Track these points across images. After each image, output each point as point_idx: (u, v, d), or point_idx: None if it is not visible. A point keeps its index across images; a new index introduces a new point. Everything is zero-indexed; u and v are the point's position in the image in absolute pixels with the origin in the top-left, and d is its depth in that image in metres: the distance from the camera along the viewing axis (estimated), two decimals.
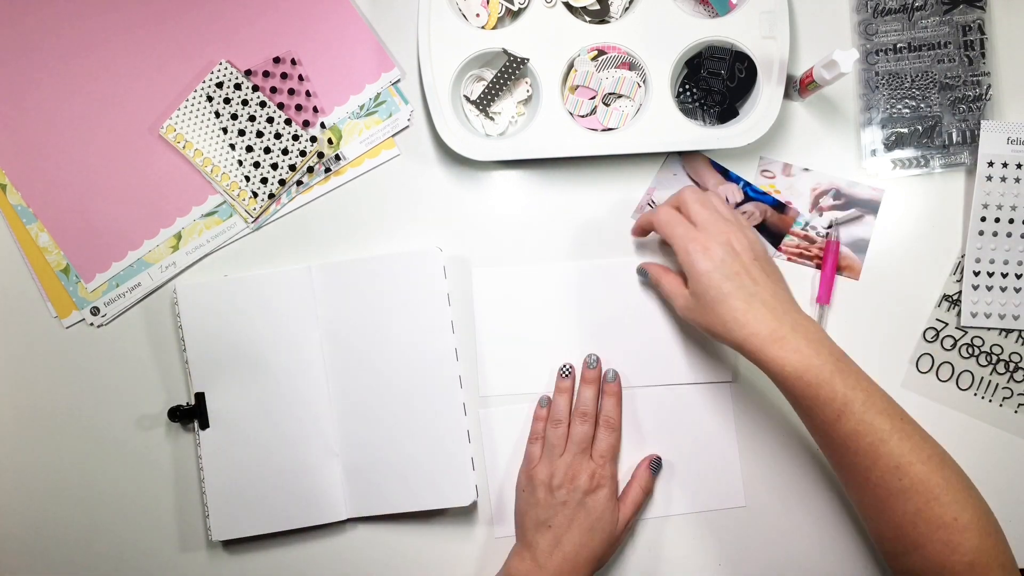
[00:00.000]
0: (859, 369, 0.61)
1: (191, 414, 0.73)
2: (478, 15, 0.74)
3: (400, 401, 0.72)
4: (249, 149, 0.74)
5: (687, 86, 0.74)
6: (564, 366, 0.73)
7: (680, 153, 0.75)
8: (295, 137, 0.74)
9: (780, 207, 0.75)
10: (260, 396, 0.73)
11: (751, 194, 0.75)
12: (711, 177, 0.75)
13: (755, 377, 0.74)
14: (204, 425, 0.73)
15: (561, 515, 0.68)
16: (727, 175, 0.75)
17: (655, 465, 0.73)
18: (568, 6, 0.73)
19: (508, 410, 0.75)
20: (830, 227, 0.74)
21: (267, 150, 0.74)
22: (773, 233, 0.75)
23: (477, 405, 0.75)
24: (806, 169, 0.75)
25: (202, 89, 0.74)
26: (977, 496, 0.60)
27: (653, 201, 0.75)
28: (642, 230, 0.72)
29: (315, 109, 0.75)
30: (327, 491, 0.73)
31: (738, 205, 0.75)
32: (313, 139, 0.74)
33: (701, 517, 0.74)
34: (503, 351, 0.75)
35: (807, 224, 0.75)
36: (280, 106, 0.74)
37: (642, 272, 0.73)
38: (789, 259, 0.75)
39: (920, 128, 0.74)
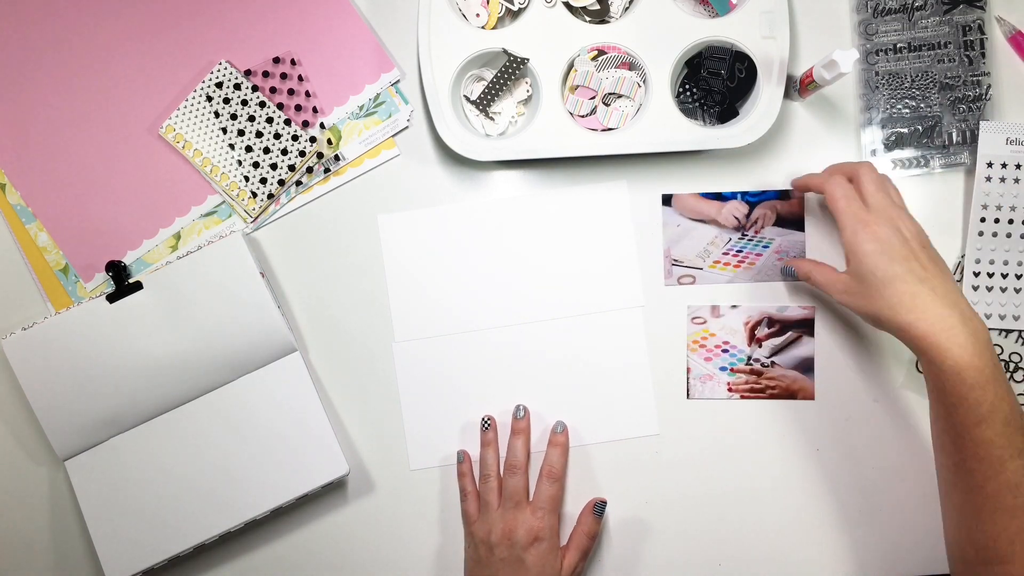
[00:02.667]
0: (1008, 380, 0.60)
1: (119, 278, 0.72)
2: (478, 15, 0.74)
3: (242, 403, 0.72)
4: (248, 149, 0.74)
5: (687, 86, 0.74)
6: (484, 419, 0.73)
7: (668, 202, 0.75)
8: (294, 137, 0.74)
9: (784, 195, 0.75)
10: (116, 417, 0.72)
11: (752, 200, 0.75)
12: (709, 206, 0.75)
13: (665, 305, 0.75)
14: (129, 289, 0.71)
15: (502, 573, 0.68)
16: (722, 197, 0.75)
17: (599, 508, 0.72)
18: (568, 6, 0.73)
19: (420, 346, 0.75)
20: (773, 355, 0.75)
21: (266, 150, 0.74)
22: (791, 221, 0.75)
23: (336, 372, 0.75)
24: (733, 306, 0.75)
25: (201, 89, 0.74)
26: None
27: (676, 260, 0.75)
28: (805, 188, 0.70)
29: (315, 109, 0.75)
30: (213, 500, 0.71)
31: (747, 215, 0.75)
32: (312, 139, 0.74)
33: (613, 447, 0.74)
34: (414, 294, 0.75)
35: (750, 358, 0.75)
36: (280, 106, 0.74)
37: (788, 272, 0.73)
38: (743, 397, 0.75)
39: (920, 128, 0.74)
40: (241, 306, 0.72)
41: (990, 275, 0.74)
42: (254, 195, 0.74)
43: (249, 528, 0.72)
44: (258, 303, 0.72)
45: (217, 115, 0.74)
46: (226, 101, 0.74)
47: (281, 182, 0.74)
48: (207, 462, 0.71)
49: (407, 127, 0.76)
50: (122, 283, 0.72)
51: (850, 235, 0.63)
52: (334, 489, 0.74)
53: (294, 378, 0.72)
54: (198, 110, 0.74)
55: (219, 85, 0.74)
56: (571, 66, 0.73)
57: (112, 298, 0.71)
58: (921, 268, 0.61)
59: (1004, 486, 0.58)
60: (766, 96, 0.71)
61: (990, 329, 0.74)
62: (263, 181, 0.74)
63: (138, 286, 0.72)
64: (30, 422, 0.74)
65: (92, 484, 0.71)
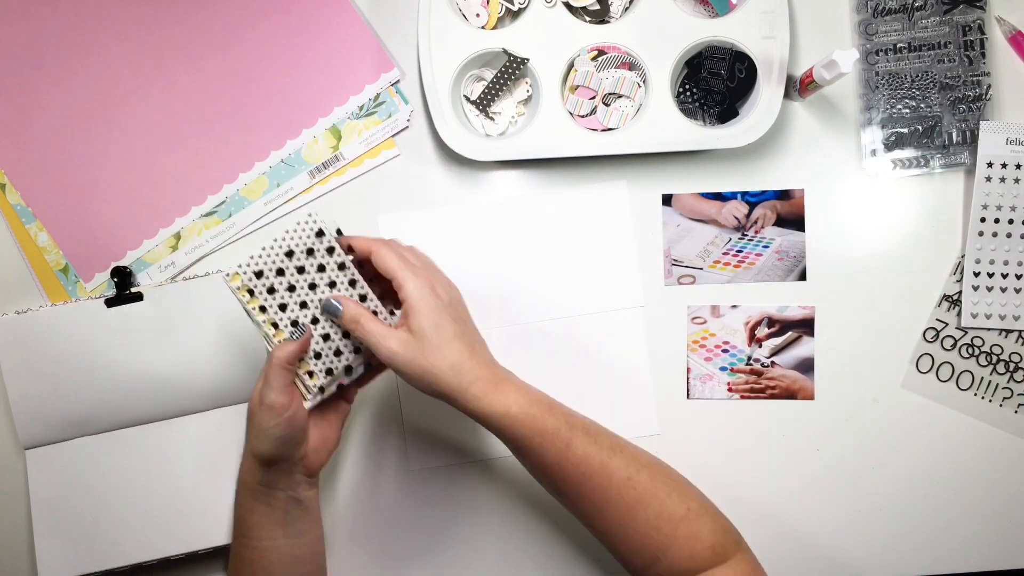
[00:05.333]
0: (560, 403, 0.62)
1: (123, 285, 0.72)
2: (478, 15, 0.74)
3: (212, 436, 0.72)
4: (315, 321, 0.61)
5: (687, 86, 0.74)
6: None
7: (668, 202, 0.75)
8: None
9: (785, 195, 0.75)
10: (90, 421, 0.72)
11: (752, 200, 0.75)
12: (710, 206, 0.75)
13: (665, 305, 0.75)
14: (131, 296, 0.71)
15: None
16: (722, 197, 0.75)
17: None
18: (568, 6, 0.73)
19: None
20: (773, 355, 0.75)
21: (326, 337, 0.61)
22: (791, 221, 0.75)
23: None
24: (733, 306, 0.75)
25: (283, 241, 0.60)
26: (689, 483, 0.62)
27: (676, 260, 0.75)
28: (362, 253, 0.61)
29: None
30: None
31: (747, 215, 0.75)
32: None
33: None
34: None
35: (750, 358, 0.75)
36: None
37: (331, 308, 0.60)
38: (743, 397, 0.75)
39: (920, 128, 0.74)
40: (234, 341, 0.72)
41: (990, 275, 0.74)
42: (310, 374, 0.62)
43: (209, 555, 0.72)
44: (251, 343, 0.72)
45: (299, 271, 0.61)
46: (307, 264, 0.61)
47: (330, 372, 0.62)
48: (165, 484, 0.71)
49: (407, 127, 0.76)
50: (124, 290, 0.72)
51: (413, 292, 0.57)
52: (330, 487, 0.74)
53: None
54: (274, 261, 0.61)
55: (310, 252, 0.60)
56: (571, 66, 0.73)
57: (111, 303, 0.71)
58: (471, 329, 0.61)
59: (620, 485, 0.59)
60: (766, 96, 0.71)
61: (990, 329, 0.74)
62: (325, 364, 0.62)
63: (139, 297, 0.72)
64: (1, 405, 0.74)
65: (47, 479, 0.71)
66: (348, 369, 0.62)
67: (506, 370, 0.61)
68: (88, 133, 0.75)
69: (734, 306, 0.75)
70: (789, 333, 0.75)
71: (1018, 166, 0.73)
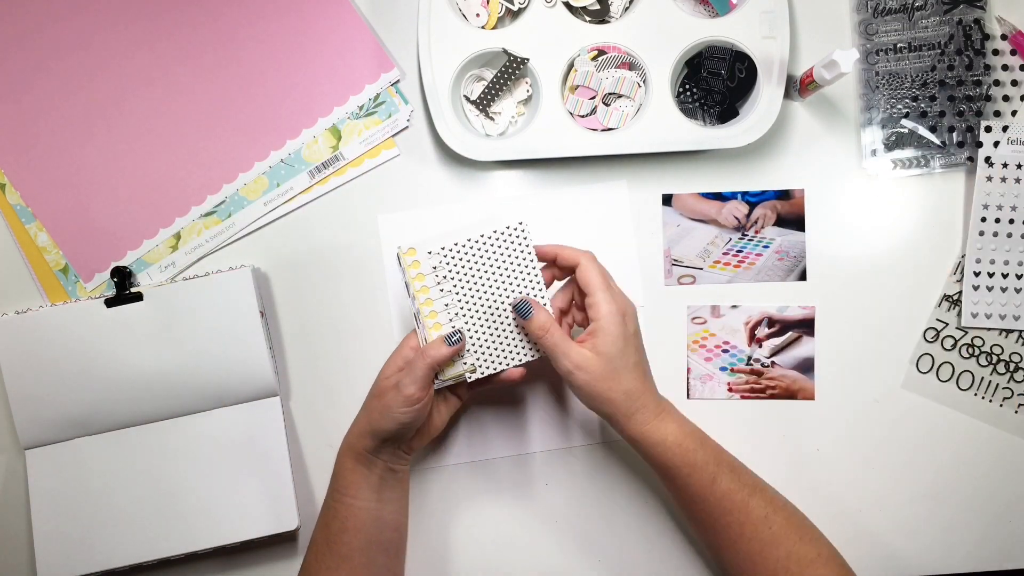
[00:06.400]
0: (711, 438, 0.65)
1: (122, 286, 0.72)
2: (478, 15, 0.74)
3: (212, 435, 0.72)
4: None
5: (687, 86, 0.74)
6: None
7: (668, 202, 0.75)
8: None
9: (785, 195, 0.75)
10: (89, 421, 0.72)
11: (752, 200, 0.75)
12: (710, 206, 0.75)
13: (665, 305, 0.75)
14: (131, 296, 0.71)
15: None
16: (722, 197, 0.75)
17: (450, 338, 0.63)
18: (568, 6, 0.73)
19: None
20: (773, 355, 0.74)
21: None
22: (791, 221, 0.75)
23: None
24: (734, 306, 0.75)
25: (485, 239, 0.64)
26: (819, 532, 0.65)
27: (676, 260, 0.75)
28: (551, 258, 0.65)
29: None
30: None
31: (747, 215, 0.75)
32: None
33: (613, 447, 0.75)
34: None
35: (750, 358, 0.75)
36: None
37: (522, 310, 0.62)
38: (743, 397, 0.75)
39: (920, 128, 0.74)
40: (234, 340, 0.72)
41: (990, 275, 0.74)
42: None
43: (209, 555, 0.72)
44: (250, 341, 0.72)
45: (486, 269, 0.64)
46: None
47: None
48: (163, 484, 0.71)
49: (407, 127, 0.76)
50: (123, 290, 0.72)
51: (609, 315, 0.61)
52: None
53: (268, 423, 0.72)
54: (465, 254, 0.64)
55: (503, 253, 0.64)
56: (571, 66, 0.73)
57: (111, 303, 0.71)
58: (645, 359, 0.64)
59: (758, 522, 0.62)
60: (766, 96, 0.71)
61: (990, 329, 0.74)
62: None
63: (139, 297, 0.72)
64: (1, 405, 0.74)
65: (48, 479, 0.71)
66: (474, 369, 0.65)
67: (667, 400, 0.65)
68: (88, 133, 0.75)
69: (734, 306, 0.75)
70: (789, 333, 0.75)
71: (1019, 166, 0.73)
